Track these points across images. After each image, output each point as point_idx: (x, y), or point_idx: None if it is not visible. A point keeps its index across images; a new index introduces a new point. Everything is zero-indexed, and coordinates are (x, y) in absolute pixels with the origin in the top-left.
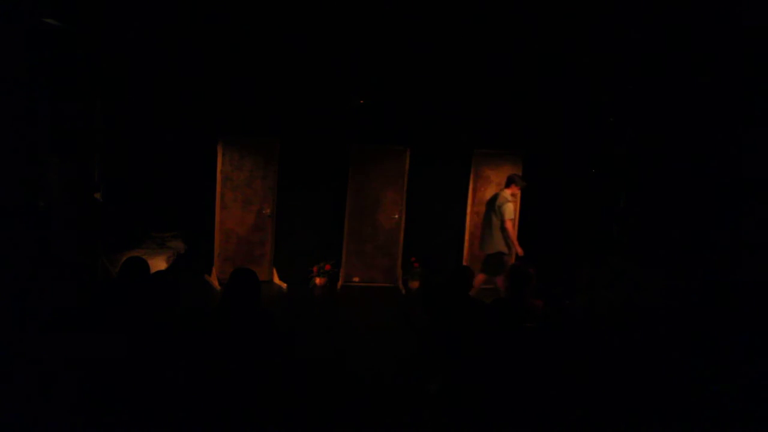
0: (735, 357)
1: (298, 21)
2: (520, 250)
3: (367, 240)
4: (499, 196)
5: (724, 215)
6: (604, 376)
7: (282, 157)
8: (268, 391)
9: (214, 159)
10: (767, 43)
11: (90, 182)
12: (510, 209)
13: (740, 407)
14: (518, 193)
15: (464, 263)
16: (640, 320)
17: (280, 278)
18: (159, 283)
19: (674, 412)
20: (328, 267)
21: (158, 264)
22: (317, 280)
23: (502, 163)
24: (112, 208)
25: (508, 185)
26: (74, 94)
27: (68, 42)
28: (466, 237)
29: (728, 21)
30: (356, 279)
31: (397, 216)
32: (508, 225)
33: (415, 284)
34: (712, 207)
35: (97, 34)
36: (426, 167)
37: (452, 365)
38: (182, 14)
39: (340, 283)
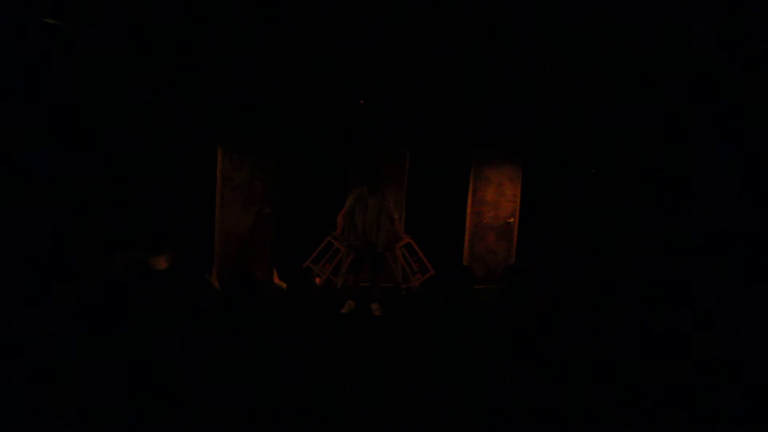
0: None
1: (298, 21)
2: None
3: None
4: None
5: None
6: (603, 376)
7: (282, 157)
8: (268, 391)
9: (214, 159)
10: None
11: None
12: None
13: None
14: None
15: (464, 263)
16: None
17: (280, 278)
18: (159, 283)
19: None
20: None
21: (158, 264)
22: (317, 280)
23: (502, 163)
24: (112, 208)
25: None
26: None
27: (68, 42)
28: (466, 237)
29: None
30: None
31: (397, 216)
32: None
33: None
34: None
35: (98, 34)
36: (426, 167)
37: (454, 366)
38: (183, 14)
39: (340, 283)
